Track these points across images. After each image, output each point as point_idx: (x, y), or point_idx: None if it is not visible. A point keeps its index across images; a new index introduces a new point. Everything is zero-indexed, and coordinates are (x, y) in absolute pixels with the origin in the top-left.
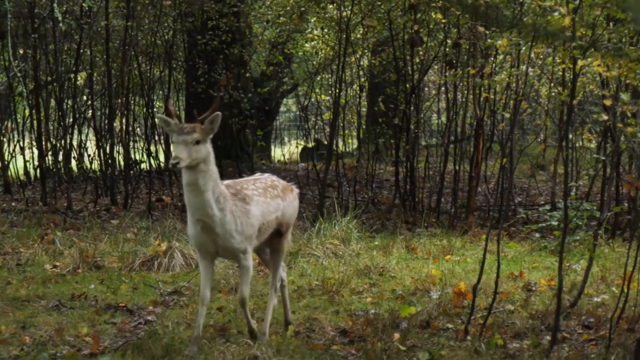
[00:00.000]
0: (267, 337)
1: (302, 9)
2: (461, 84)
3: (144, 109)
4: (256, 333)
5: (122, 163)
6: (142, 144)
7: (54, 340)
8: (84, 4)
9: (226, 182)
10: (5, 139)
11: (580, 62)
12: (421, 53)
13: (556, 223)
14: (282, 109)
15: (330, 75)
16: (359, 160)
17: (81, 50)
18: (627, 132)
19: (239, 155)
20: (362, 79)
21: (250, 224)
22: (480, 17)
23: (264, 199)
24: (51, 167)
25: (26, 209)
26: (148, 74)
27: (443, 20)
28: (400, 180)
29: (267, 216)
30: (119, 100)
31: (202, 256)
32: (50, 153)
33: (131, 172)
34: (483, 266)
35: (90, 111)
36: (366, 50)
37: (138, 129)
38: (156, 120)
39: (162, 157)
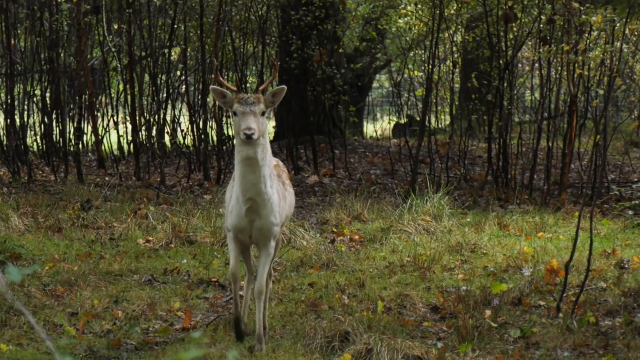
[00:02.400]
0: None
1: None
2: (555, 60)
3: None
4: (260, 335)
5: (215, 138)
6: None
7: (146, 315)
8: None
9: None
10: (99, 114)
11: None
12: (515, 29)
13: None
14: (375, 85)
15: (423, 51)
16: (452, 137)
17: (175, 26)
18: None
19: (332, 131)
20: (456, 55)
21: (285, 209)
22: None
23: (291, 190)
24: (145, 142)
25: (119, 183)
26: (241, 50)
27: None
28: (492, 156)
29: (291, 208)
30: (213, 76)
31: (235, 240)
32: (143, 128)
33: (224, 147)
34: (576, 243)
35: (184, 86)
36: (460, 26)
37: None
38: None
39: None
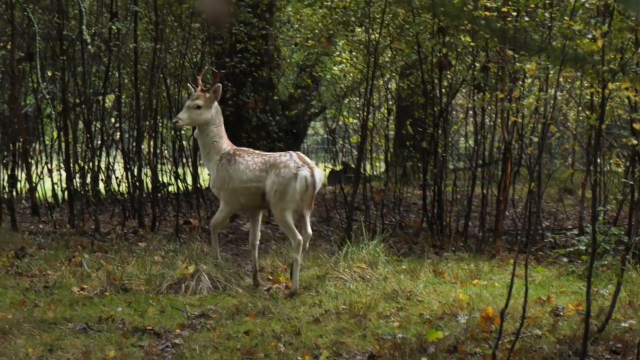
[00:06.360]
0: None
1: (331, 32)
2: (489, 108)
3: (172, 132)
4: None
5: (149, 185)
6: (169, 167)
7: None
8: (112, 27)
9: None
10: (33, 161)
11: (610, 86)
12: (449, 76)
13: (584, 247)
14: (310, 131)
15: (358, 99)
16: (387, 184)
17: (109, 73)
18: None
19: None
20: (390, 102)
21: None
22: (509, 40)
23: None
24: (79, 190)
25: (54, 231)
26: (176, 97)
27: (472, 44)
28: (427, 203)
29: None
30: (147, 123)
31: None
32: (78, 175)
33: (159, 194)
34: (511, 291)
35: (118, 133)
36: (394, 74)
37: (166, 152)
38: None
39: (189, 180)
